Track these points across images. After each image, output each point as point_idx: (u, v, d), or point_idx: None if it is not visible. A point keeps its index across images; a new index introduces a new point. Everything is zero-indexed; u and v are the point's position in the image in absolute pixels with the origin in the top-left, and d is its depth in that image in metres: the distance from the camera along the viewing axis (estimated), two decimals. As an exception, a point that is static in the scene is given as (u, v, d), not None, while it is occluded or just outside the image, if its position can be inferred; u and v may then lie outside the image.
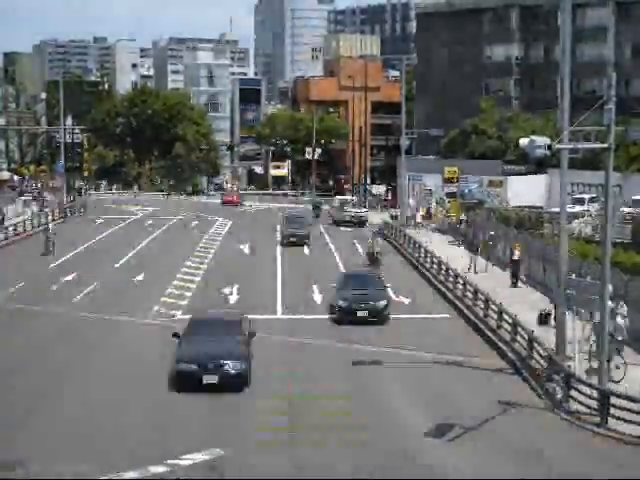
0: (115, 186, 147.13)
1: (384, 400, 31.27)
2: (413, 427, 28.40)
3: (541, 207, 76.57)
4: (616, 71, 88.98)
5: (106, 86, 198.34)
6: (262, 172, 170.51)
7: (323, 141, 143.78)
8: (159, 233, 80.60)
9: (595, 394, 28.80)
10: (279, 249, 70.09)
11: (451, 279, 51.33)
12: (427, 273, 57.74)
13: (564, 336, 33.14)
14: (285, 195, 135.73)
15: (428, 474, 24.16)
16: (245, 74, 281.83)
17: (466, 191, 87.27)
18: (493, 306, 41.95)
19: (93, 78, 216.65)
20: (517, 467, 24.76)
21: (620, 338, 33.57)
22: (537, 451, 26.32)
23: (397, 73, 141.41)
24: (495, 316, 41.13)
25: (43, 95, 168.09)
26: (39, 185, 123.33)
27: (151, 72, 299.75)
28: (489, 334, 40.18)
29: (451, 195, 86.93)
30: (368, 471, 24.23)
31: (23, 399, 30.29)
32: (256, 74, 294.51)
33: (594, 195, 73.85)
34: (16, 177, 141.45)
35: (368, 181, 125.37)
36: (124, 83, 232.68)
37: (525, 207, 76.21)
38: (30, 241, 74.47)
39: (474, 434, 27.56)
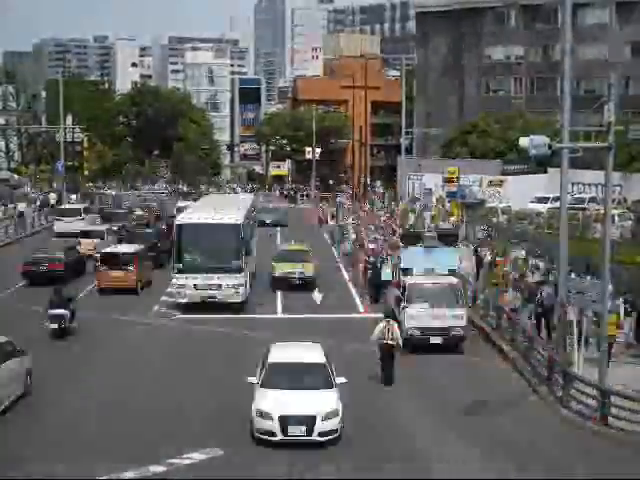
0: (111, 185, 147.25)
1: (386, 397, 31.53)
2: (413, 423, 28.74)
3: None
4: (616, 71, 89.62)
5: (106, 85, 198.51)
6: (262, 172, 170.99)
7: (323, 141, 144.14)
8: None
9: (595, 393, 28.92)
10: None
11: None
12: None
13: (565, 335, 33.21)
14: (285, 196, 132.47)
15: (428, 471, 24.43)
16: (245, 73, 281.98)
17: (466, 191, 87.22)
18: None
19: (93, 77, 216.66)
20: (516, 464, 24.94)
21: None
22: (536, 449, 26.52)
23: (397, 73, 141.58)
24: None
25: (43, 94, 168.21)
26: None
27: (151, 71, 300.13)
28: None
29: (451, 195, 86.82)
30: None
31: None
32: (256, 73, 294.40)
33: (594, 195, 74.17)
34: (16, 176, 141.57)
35: (368, 181, 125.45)
36: (124, 82, 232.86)
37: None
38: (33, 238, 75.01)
39: (475, 431, 27.78)
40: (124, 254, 51.17)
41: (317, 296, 46.87)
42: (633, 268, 42.73)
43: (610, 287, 31.29)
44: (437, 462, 25.09)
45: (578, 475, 24.33)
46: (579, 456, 26.01)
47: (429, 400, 31.34)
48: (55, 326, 38.96)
